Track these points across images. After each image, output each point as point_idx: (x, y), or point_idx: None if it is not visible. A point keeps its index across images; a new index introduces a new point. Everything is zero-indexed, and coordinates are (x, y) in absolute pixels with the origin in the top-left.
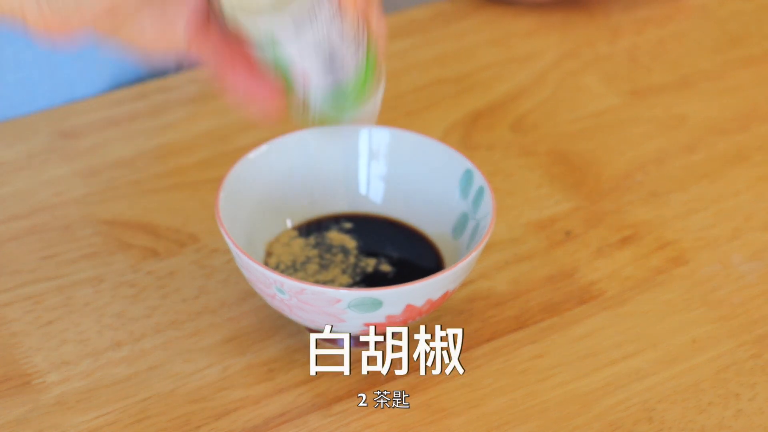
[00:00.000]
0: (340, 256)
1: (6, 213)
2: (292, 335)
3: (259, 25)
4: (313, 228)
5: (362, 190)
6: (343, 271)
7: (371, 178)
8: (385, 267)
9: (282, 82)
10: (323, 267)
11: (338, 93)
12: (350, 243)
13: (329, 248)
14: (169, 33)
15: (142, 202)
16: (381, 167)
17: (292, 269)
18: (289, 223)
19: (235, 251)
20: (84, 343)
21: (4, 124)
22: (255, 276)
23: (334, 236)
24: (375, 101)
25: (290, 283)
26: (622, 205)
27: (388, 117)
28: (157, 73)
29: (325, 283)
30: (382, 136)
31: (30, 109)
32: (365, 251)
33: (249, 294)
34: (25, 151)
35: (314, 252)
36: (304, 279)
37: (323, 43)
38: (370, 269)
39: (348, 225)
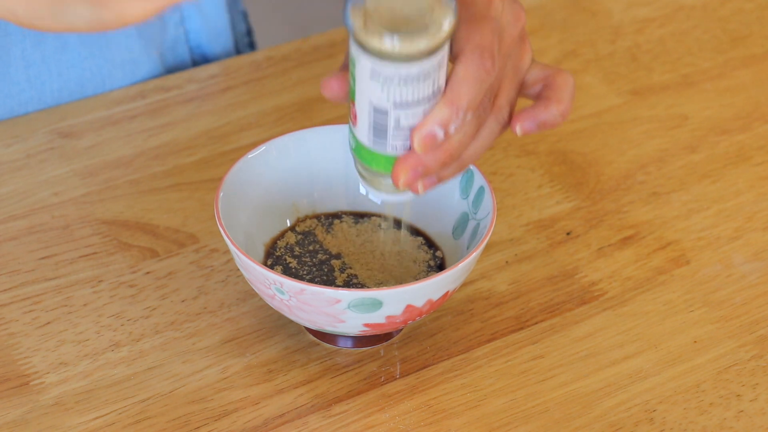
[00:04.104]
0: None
1: (4, 213)
2: (292, 336)
3: (364, 39)
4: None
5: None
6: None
7: None
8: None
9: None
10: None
11: (360, 149)
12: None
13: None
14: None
15: (141, 202)
16: None
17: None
18: (288, 223)
19: (235, 251)
20: (83, 343)
21: (2, 123)
22: (254, 276)
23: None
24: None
25: (290, 284)
26: (623, 205)
27: None
28: (168, 71)
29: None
30: None
31: (38, 109)
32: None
33: (248, 294)
34: (23, 150)
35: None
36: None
37: (379, 111)
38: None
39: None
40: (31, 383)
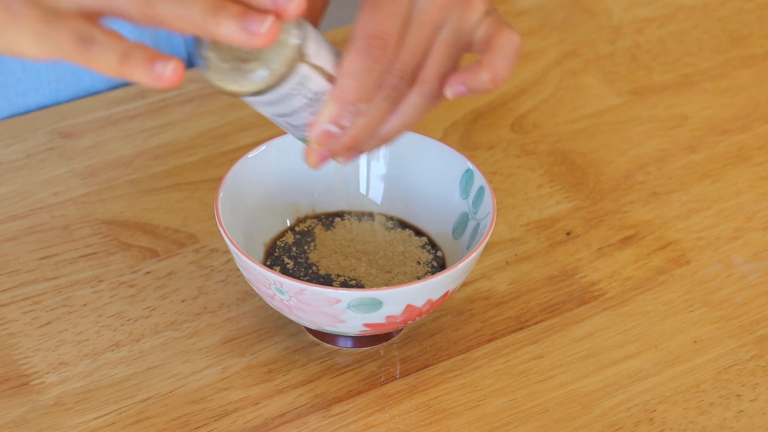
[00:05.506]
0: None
1: (4, 213)
2: (292, 336)
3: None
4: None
5: (362, 189)
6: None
7: (371, 178)
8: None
9: None
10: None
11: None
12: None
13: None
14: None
15: (141, 202)
16: (381, 167)
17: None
18: (288, 223)
19: (235, 251)
20: (83, 343)
21: (2, 123)
22: (254, 276)
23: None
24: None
25: (290, 284)
26: (623, 205)
27: None
28: None
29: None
30: None
31: (35, 99)
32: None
33: (248, 294)
34: (23, 150)
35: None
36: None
37: (269, 117)
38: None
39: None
40: (31, 383)
